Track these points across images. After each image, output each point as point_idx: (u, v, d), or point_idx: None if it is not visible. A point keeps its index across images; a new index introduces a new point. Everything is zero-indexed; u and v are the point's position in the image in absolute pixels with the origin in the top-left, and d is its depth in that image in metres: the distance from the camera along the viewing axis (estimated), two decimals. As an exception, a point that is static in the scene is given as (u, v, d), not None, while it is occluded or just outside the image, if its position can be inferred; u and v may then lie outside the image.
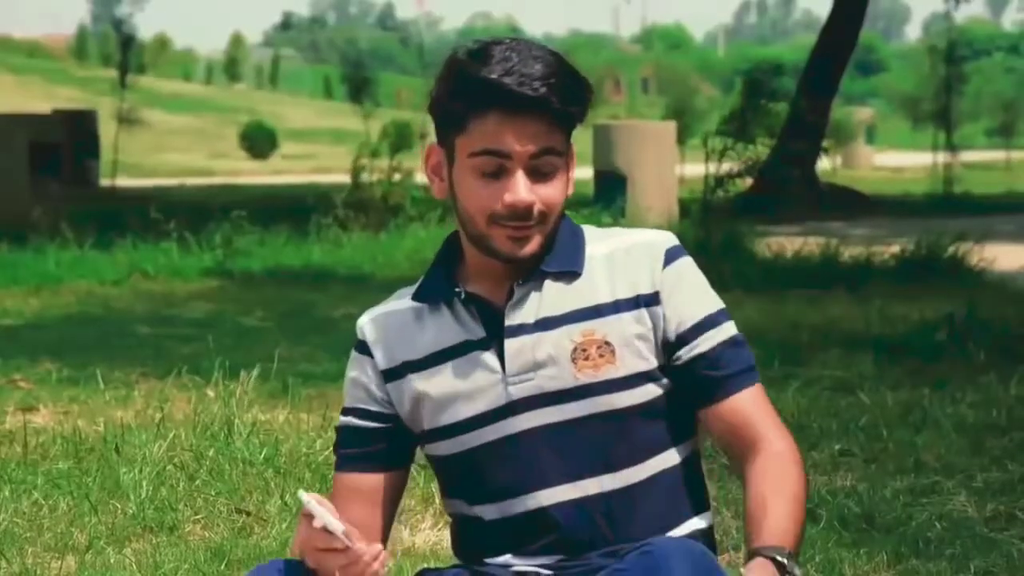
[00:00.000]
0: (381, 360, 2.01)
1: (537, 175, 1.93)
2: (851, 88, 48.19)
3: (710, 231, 9.88)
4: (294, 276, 9.82)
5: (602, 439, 1.95)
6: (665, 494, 1.98)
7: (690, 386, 1.99)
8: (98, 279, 9.66)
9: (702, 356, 1.98)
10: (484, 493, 1.99)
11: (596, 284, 1.98)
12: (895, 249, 9.38)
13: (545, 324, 1.96)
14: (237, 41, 59.64)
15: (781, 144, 12.83)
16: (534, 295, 1.98)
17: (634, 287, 1.98)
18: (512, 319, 1.96)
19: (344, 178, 12.84)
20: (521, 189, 1.91)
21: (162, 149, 31.89)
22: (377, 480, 2.02)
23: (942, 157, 21.53)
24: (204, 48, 74.98)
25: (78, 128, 18.78)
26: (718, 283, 2.11)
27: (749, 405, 1.98)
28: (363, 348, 2.03)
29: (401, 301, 2.05)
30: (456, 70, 1.93)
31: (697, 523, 2.01)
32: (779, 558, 1.85)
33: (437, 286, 2.01)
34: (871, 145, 30.49)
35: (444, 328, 1.99)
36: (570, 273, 1.99)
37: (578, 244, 2.01)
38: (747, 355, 2.01)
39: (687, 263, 2.01)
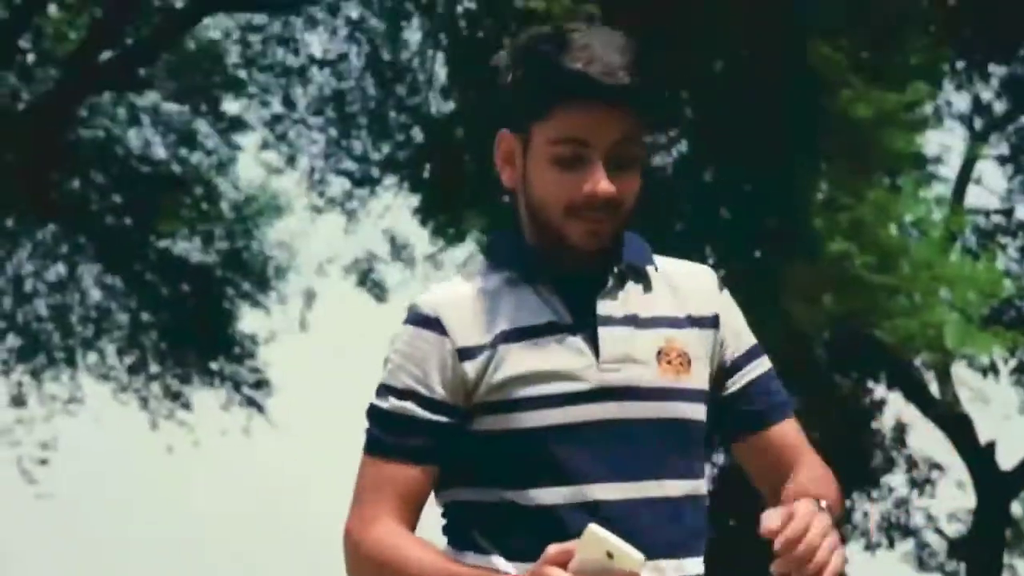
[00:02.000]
0: (459, 337, 1.92)
1: (615, 166, 1.93)
2: None
3: None
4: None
5: (669, 445, 1.95)
6: (693, 518, 1.98)
7: (735, 413, 2.02)
8: None
9: (755, 383, 2.04)
10: (546, 475, 1.90)
11: (669, 297, 2.01)
12: None
13: (634, 321, 1.97)
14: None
15: None
16: (620, 291, 1.98)
17: (699, 308, 2.02)
18: (603, 309, 1.96)
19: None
20: (602, 179, 1.91)
21: None
22: (422, 475, 1.94)
23: None
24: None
25: None
26: None
27: (794, 432, 2.05)
28: (433, 325, 1.93)
29: (470, 280, 1.98)
30: (535, 57, 1.93)
31: (701, 565, 1.98)
32: (821, 503, 1.85)
33: (520, 262, 1.97)
34: None
35: (528, 307, 1.95)
36: (644, 272, 2.01)
37: (647, 249, 2.03)
38: (782, 387, 2.07)
39: (730, 297, 2.07)
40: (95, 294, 14.69)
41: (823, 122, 10.81)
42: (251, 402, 14.59)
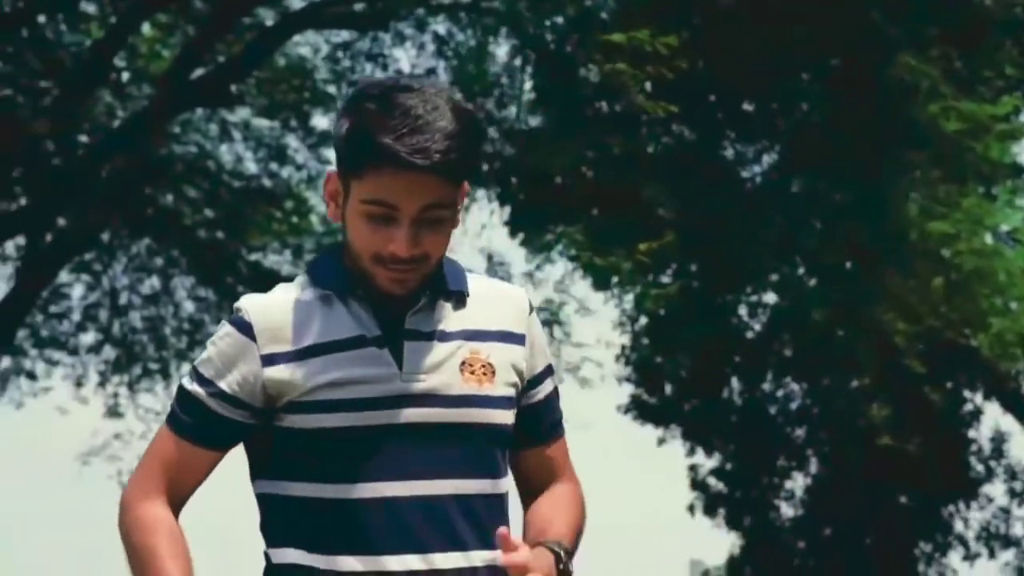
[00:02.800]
0: (264, 344, 2.07)
1: (423, 225, 2.04)
2: None
3: None
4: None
5: (466, 447, 2.09)
6: (501, 516, 2.13)
7: (526, 424, 2.18)
8: None
9: (546, 400, 2.21)
10: (343, 473, 2.05)
11: (480, 313, 2.14)
12: None
13: (439, 335, 2.10)
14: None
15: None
16: (431, 310, 2.12)
17: (509, 325, 2.17)
18: (411, 324, 2.09)
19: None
20: (404, 243, 2.03)
21: None
22: (206, 458, 2.12)
23: None
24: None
25: None
26: None
27: (562, 450, 2.25)
28: (245, 329, 2.08)
29: (289, 291, 2.12)
30: (358, 116, 2.03)
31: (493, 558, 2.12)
32: (557, 548, 2.08)
33: (334, 279, 2.10)
34: None
35: (338, 321, 2.08)
36: (460, 295, 2.15)
37: (461, 273, 2.18)
38: (559, 407, 2.25)
39: (537, 319, 2.22)
40: (188, 306, 14.91)
41: (915, 132, 10.69)
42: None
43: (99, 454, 14.72)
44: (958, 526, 15.81)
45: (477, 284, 2.19)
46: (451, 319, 2.12)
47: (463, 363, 2.10)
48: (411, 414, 2.06)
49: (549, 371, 2.22)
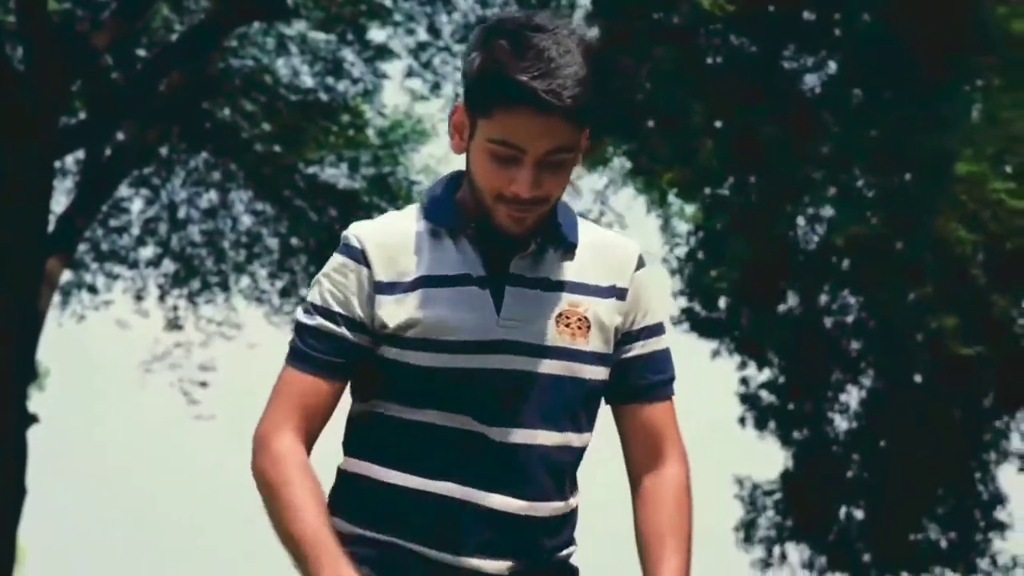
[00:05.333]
0: (379, 271, 2.09)
1: (546, 167, 2.04)
2: None
3: None
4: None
5: (552, 398, 2.11)
6: (561, 466, 2.15)
7: (622, 380, 2.18)
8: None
9: (647, 357, 2.19)
10: (435, 404, 2.09)
11: (585, 265, 2.15)
12: None
13: (542, 284, 2.12)
14: None
15: None
16: (538, 255, 2.13)
17: (612, 279, 2.16)
18: (516, 268, 2.11)
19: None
20: (527, 184, 2.03)
21: None
22: (335, 389, 2.12)
23: None
24: None
25: None
26: None
27: (665, 416, 2.22)
28: (358, 257, 2.10)
29: (401, 221, 2.14)
30: (490, 54, 2.01)
31: (562, 508, 2.18)
32: None
33: (447, 215, 2.12)
34: None
35: (447, 256, 2.10)
36: (569, 245, 2.15)
37: (575, 223, 2.19)
38: (672, 367, 2.23)
39: (651, 272, 2.21)
40: (246, 220, 15.01)
41: (982, 35, 10.54)
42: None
43: (161, 360, 14.94)
44: (1014, 439, 15.79)
45: (587, 234, 2.18)
46: (556, 268, 2.13)
47: (560, 314, 2.11)
48: (503, 359, 2.08)
49: (654, 330, 2.19)
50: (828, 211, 13.84)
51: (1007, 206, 11.61)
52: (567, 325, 2.11)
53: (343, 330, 2.09)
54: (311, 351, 2.10)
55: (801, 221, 14.47)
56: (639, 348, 2.18)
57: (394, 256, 2.09)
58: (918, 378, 15.45)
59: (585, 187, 14.43)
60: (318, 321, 2.10)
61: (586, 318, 2.12)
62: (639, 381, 2.19)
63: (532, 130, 1.99)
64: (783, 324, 15.51)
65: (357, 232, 2.11)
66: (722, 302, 15.52)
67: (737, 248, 13.74)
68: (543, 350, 2.09)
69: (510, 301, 2.09)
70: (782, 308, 15.59)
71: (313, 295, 2.12)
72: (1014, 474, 15.82)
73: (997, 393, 15.35)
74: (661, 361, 2.21)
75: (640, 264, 2.20)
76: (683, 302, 15.58)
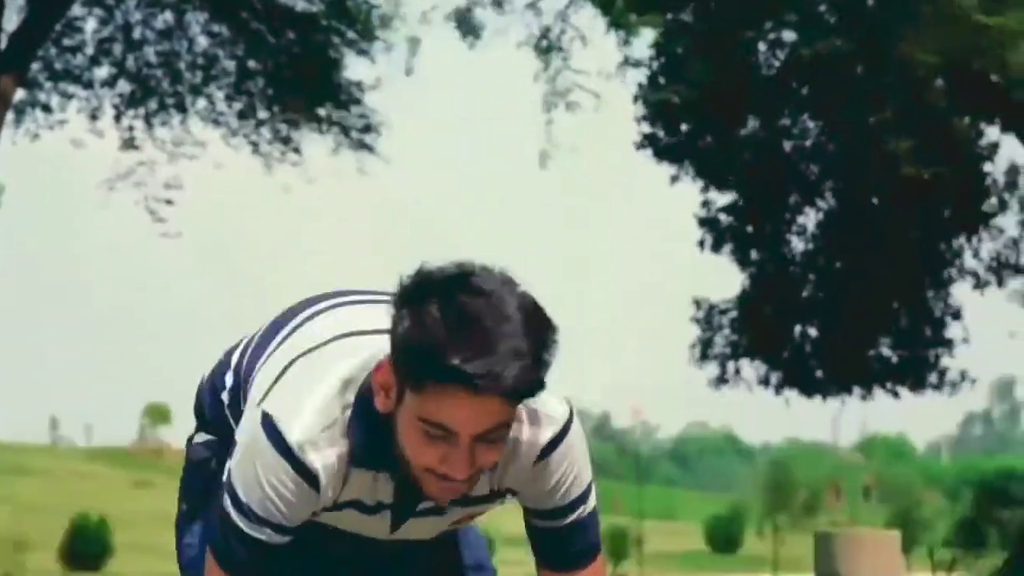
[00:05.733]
0: (324, 499, 2.04)
1: (482, 442, 1.93)
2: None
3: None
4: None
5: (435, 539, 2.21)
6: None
7: (541, 547, 2.18)
8: None
9: (564, 529, 2.15)
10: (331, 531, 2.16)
11: (485, 477, 2.07)
12: None
13: (442, 510, 2.12)
14: None
15: (1018, 554, 11.94)
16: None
17: (511, 483, 2.10)
18: (423, 506, 2.10)
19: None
20: (462, 466, 1.94)
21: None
22: None
23: None
24: None
25: None
26: None
27: None
28: (313, 481, 2.02)
29: (337, 446, 2.04)
30: (422, 329, 1.87)
31: None
32: None
33: (375, 456, 2.04)
34: None
35: (369, 487, 2.07)
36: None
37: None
38: (592, 534, 2.17)
39: (561, 453, 2.08)
40: (202, 41, 14.79)
41: None
42: (361, 144, 14.77)
43: (125, 179, 14.86)
44: (968, 258, 16.02)
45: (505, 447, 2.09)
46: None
47: (455, 522, 2.17)
48: (391, 542, 2.18)
49: (567, 509, 2.13)
50: (790, 35, 13.75)
51: (973, 21, 11.54)
52: (456, 522, 2.17)
53: (279, 538, 2.05)
54: (244, 559, 2.06)
55: (763, 47, 14.38)
56: (556, 523, 2.14)
57: (335, 484, 2.04)
58: (875, 200, 15.56)
59: (547, 7, 14.27)
60: (251, 527, 2.04)
61: (474, 516, 2.18)
62: (560, 551, 2.17)
63: (467, 412, 1.88)
64: (743, 147, 15.53)
65: (307, 448, 2.01)
66: (683, 128, 15.49)
67: (698, 71, 13.66)
68: (424, 540, 2.20)
69: (406, 527, 2.14)
70: (742, 132, 15.59)
71: (251, 497, 2.02)
72: (968, 291, 16.11)
73: (954, 214, 15.50)
74: (576, 532, 2.15)
75: (541, 456, 2.08)
76: (645, 127, 15.57)
